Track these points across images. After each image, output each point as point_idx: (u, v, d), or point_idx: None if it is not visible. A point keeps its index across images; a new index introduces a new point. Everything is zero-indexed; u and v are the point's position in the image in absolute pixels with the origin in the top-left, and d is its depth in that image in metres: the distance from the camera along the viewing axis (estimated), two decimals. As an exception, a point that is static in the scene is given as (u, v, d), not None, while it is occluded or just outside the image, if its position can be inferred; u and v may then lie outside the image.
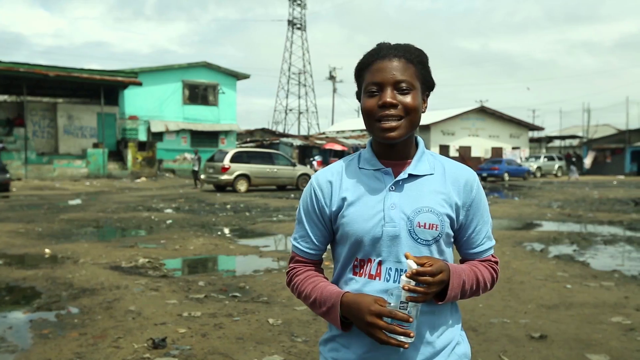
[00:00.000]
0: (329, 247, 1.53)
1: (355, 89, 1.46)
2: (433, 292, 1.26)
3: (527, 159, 39.89)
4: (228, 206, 14.48)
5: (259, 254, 7.64)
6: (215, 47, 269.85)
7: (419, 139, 1.46)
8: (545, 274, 6.23)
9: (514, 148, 43.47)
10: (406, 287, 1.21)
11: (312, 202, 1.44)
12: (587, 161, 41.95)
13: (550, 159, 38.83)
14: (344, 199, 1.39)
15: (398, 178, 1.38)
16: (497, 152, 42.65)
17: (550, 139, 51.01)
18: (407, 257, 1.24)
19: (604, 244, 8.70)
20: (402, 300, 1.22)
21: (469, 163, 40.69)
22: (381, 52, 1.37)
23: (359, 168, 1.43)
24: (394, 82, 1.33)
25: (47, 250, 7.56)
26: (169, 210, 13.21)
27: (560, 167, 38.13)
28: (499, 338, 4.03)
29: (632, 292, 5.46)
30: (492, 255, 1.48)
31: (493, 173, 30.75)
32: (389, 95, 1.33)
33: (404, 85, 1.33)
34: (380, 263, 1.35)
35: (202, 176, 20.76)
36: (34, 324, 4.37)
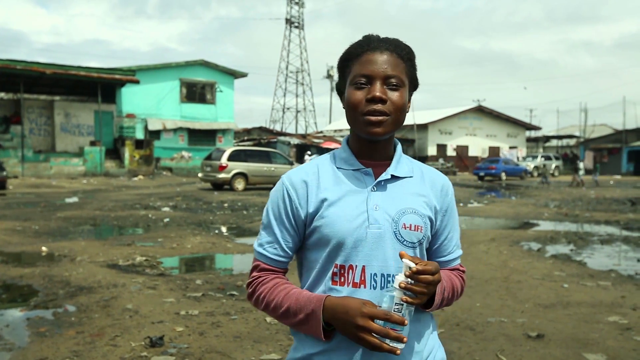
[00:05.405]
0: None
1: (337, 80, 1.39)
2: (431, 292, 1.20)
3: (524, 158, 39.94)
4: (225, 205, 14.47)
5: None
6: (215, 45, 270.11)
7: (397, 141, 1.41)
8: (542, 273, 6.25)
9: (511, 147, 43.58)
10: (403, 285, 1.14)
11: (284, 203, 1.33)
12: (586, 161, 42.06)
13: (548, 158, 38.88)
14: (323, 200, 1.30)
15: (380, 178, 1.32)
16: (494, 151, 42.74)
17: (547, 138, 51.13)
18: (402, 257, 1.17)
19: (601, 243, 8.72)
20: (396, 302, 1.15)
21: (466, 162, 40.83)
22: (371, 43, 1.30)
23: (337, 168, 1.35)
24: (384, 77, 1.27)
25: (44, 248, 7.54)
26: (166, 209, 13.19)
27: (557, 166, 38.18)
28: (496, 337, 4.04)
29: (629, 291, 5.48)
30: (460, 265, 1.44)
31: (490, 172, 30.78)
32: (378, 90, 1.25)
33: (394, 80, 1.27)
34: (363, 269, 1.27)
35: (200, 174, 20.71)
36: (31, 322, 4.36)
